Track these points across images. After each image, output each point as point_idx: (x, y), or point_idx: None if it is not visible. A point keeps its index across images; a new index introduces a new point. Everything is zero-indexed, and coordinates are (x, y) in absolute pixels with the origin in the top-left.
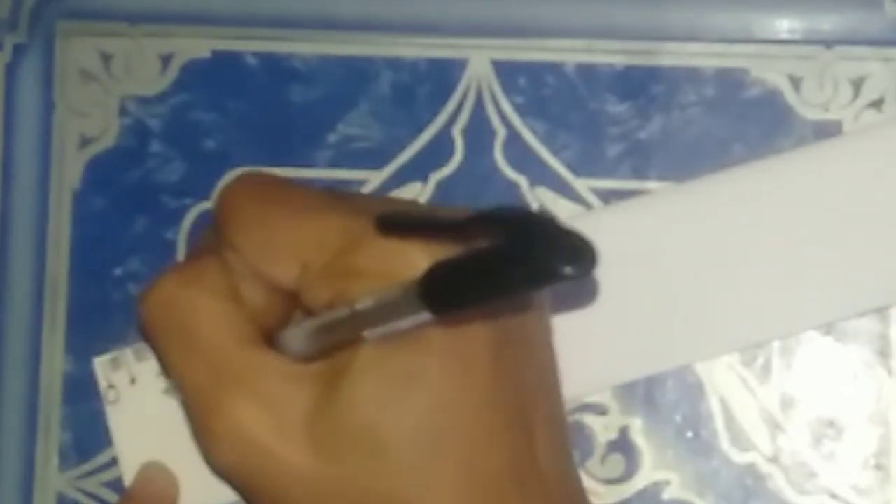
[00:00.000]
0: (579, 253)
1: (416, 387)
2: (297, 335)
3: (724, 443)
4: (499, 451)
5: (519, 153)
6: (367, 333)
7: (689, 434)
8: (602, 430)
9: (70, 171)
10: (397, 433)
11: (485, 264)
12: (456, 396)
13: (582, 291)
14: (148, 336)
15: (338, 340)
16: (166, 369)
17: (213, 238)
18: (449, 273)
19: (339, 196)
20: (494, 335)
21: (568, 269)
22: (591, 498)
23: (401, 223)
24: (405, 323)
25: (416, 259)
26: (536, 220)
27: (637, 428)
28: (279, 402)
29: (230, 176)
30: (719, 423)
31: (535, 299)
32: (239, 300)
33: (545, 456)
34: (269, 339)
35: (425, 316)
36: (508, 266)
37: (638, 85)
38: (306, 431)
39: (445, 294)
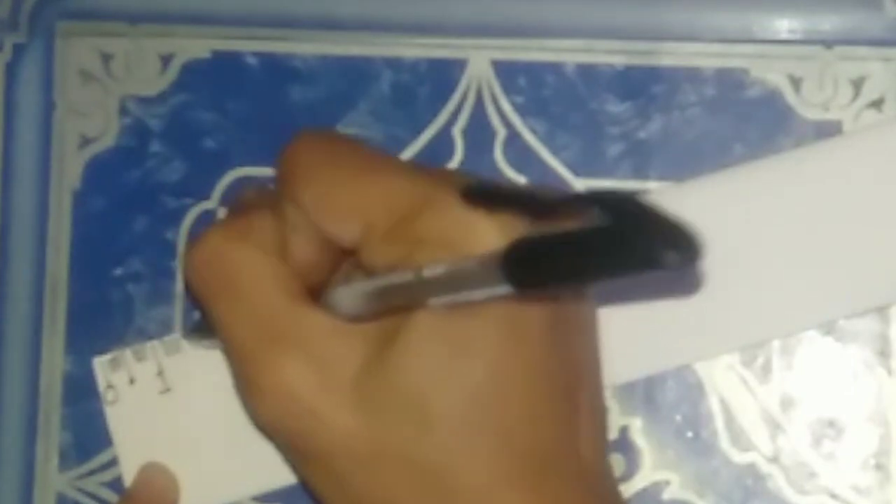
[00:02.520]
0: (685, 241)
1: (471, 356)
2: (350, 295)
3: (724, 443)
4: (542, 430)
5: (519, 153)
6: (432, 301)
7: (689, 434)
8: None
9: (70, 171)
10: (445, 401)
11: (581, 244)
12: (509, 369)
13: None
14: (194, 291)
15: (396, 305)
16: (212, 324)
17: (259, 195)
18: (534, 249)
19: (409, 163)
20: (549, 312)
21: (673, 257)
22: None
23: (489, 194)
24: (477, 295)
25: (488, 233)
26: (641, 204)
27: (637, 428)
28: (327, 360)
29: (230, 176)
30: (719, 423)
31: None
32: (286, 256)
33: (585, 440)
34: (314, 296)
35: (502, 289)
36: (608, 248)
37: (638, 85)
38: (352, 391)
39: (529, 269)
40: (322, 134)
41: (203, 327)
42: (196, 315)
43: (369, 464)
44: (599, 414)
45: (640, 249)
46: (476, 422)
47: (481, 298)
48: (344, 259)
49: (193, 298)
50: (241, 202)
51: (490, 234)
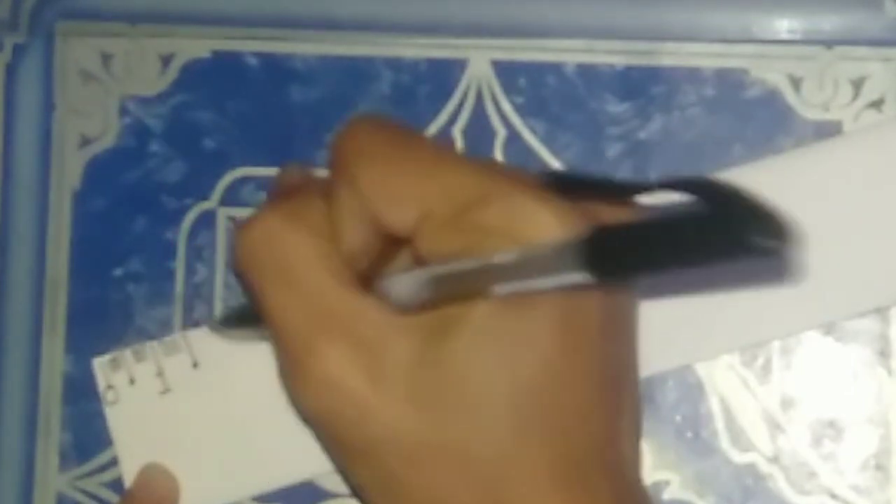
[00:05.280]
0: (778, 227)
1: (526, 350)
2: (407, 282)
3: (724, 443)
4: (590, 429)
5: (519, 153)
6: (497, 288)
7: (689, 434)
8: None
9: (70, 171)
10: (498, 395)
11: (669, 232)
12: (563, 363)
13: None
14: (243, 270)
15: (458, 292)
16: (259, 306)
17: (304, 178)
18: (615, 238)
19: (468, 156)
20: (604, 307)
21: (768, 243)
22: None
23: (571, 182)
24: (547, 282)
25: (549, 223)
26: (734, 190)
27: None
28: (378, 350)
29: (230, 176)
30: (719, 423)
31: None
32: (339, 242)
33: (626, 438)
34: (364, 284)
35: (576, 277)
36: (701, 235)
37: (638, 85)
38: (403, 383)
39: (608, 258)
40: (379, 119)
41: (233, 318)
42: (226, 307)
43: (417, 457)
44: (638, 411)
45: (737, 236)
46: (528, 416)
47: (550, 286)
48: (390, 248)
49: (239, 279)
50: (285, 183)
51: (551, 223)
